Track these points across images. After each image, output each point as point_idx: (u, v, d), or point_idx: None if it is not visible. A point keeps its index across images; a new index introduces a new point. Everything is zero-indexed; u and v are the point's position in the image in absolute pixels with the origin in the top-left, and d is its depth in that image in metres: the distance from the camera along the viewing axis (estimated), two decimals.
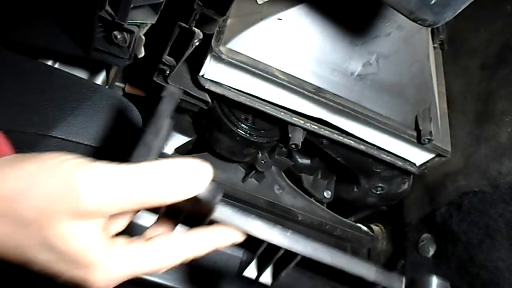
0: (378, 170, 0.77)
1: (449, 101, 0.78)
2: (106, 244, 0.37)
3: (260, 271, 0.53)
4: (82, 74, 0.72)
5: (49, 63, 0.71)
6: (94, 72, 0.74)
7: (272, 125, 0.72)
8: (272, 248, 0.45)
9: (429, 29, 0.69)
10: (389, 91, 0.67)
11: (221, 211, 0.41)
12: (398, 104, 0.68)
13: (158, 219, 0.44)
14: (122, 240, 0.39)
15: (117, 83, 0.78)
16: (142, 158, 0.39)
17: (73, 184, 0.34)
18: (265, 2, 0.61)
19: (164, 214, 0.44)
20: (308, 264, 0.47)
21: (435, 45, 0.83)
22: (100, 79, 0.74)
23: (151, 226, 0.44)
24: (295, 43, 0.62)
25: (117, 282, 0.38)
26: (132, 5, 0.50)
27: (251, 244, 0.46)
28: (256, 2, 0.61)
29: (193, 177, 0.37)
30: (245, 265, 0.54)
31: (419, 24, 0.47)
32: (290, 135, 0.68)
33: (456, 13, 0.46)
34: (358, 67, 0.64)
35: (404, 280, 0.50)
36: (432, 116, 0.70)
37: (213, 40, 0.58)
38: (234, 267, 0.58)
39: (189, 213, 0.43)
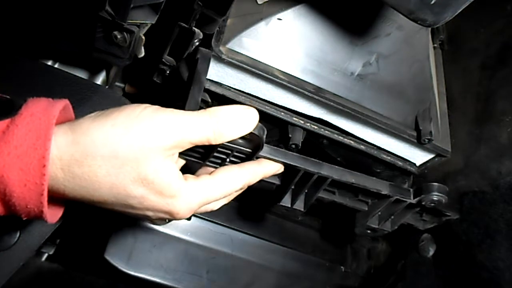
0: (378, 170, 0.77)
1: (449, 101, 0.78)
2: (183, 178, 0.44)
3: (294, 199, 0.61)
4: (82, 74, 0.72)
5: (49, 63, 0.71)
6: (94, 72, 0.74)
7: (272, 125, 0.72)
8: (306, 177, 0.56)
9: (429, 29, 0.69)
10: (389, 91, 0.67)
11: (264, 150, 0.51)
12: (398, 104, 0.68)
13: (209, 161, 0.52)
14: (190, 175, 0.46)
15: (117, 83, 0.78)
16: (192, 109, 0.49)
17: (159, 125, 0.41)
18: (265, 2, 0.61)
19: (214, 156, 0.51)
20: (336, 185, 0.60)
21: (435, 45, 0.83)
22: (100, 79, 0.74)
23: (204, 168, 0.53)
24: (295, 43, 0.62)
25: (193, 211, 0.46)
26: (132, 5, 0.50)
27: (286, 176, 0.57)
28: (256, 2, 0.61)
29: (247, 116, 0.45)
30: (281, 195, 0.61)
31: (419, 24, 0.47)
32: (290, 135, 0.68)
33: (456, 13, 0.46)
34: (358, 67, 0.64)
35: (412, 191, 0.62)
36: (432, 116, 0.70)
37: (213, 40, 0.58)
38: (271, 198, 0.63)
39: (238, 152, 0.51)
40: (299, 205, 0.62)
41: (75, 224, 0.72)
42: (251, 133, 0.46)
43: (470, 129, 0.76)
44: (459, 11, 0.46)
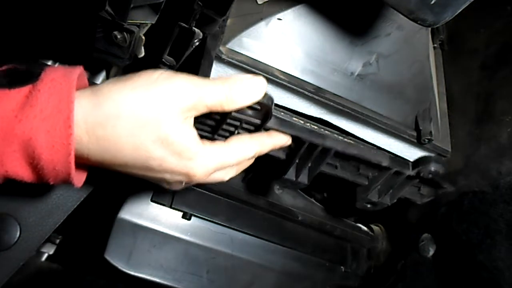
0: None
1: (449, 101, 0.78)
2: (201, 142, 0.46)
3: (298, 173, 0.63)
4: None
5: (49, 63, 0.71)
6: (94, 72, 0.74)
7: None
8: (310, 149, 0.59)
9: (429, 29, 0.69)
10: (389, 91, 0.67)
11: (272, 121, 0.54)
12: (398, 104, 0.68)
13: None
14: (206, 141, 0.48)
15: None
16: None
17: (177, 87, 0.43)
18: (265, 2, 0.61)
19: (223, 129, 0.53)
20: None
21: (435, 45, 0.83)
22: (100, 79, 0.74)
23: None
24: (295, 43, 0.62)
25: (209, 174, 0.48)
26: (132, 5, 0.50)
27: (291, 150, 0.60)
28: (256, 2, 0.61)
29: (257, 83, 0.48)
30: (286, 168, 0.62)
31: (419, 24, 0.47)
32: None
33: (456, 13, 0.46)
34: (358, 67, 0.64)
35: (410, 163, 0.64)
36: (432, 116, 0.70)
37: (211, 41, 0.58)
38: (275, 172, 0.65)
39: (247, 123, 0.53)
40: (303, 178, 0.64)
41: (75, 224, 0.72)
42: (260, 102, 0.49)
43: (470, 129, 0.76)
44: (459, 11, 0.46)
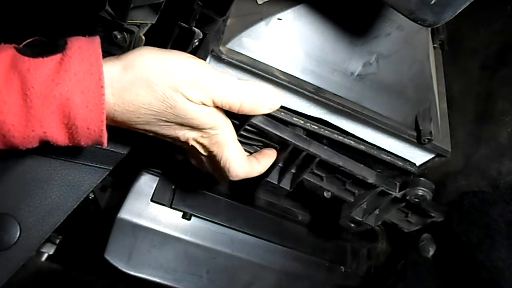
0: (378, 170, 0.77)
1: (449, 101, 0.78)
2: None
3: (281, 177, 0.63)
4: None
5: None
6: None
7: None
8: (294, 154, 0.59)
9: (429, 29, 0.69)
10: (389, 91, 0.67)
11: (259, 119, 0.56)
12: (398, 104, 0.68)
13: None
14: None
15: None
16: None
17: (201, 72, 0.48)
18: (265, 2, 0.61)
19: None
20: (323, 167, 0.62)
21: (435, 45, 0.83)
22: None
23: None
24: (295, 43, 0.62)
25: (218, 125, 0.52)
26: (132, 5, 0.50)
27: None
28: (256, 2, 0.61)
29: (274, 99, 0.54)
30: (269, 170, 0.62)
31: (419, 24, 0.47)
32: None
33: (456, 13, 0.46)
34: (358, 67, 0.64)
35: (398, 184, 0.64)
36: (432, 116, 0.70)
37: (210, 42, 0.58)
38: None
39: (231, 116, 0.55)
40: (286, 183, 0.64)
41: (75, 224, 0.72)
42: None
43: (470, 129, 0.76)
44: (459, 11, 0.46)
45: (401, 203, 0.66)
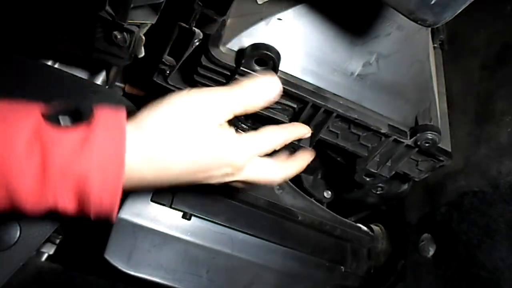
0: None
1: (449, 101, 0.78)
2: (237, 135, 0.51)
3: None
4: (82, 74, 0.72)
5: (49, 63, 0.71)
6: (94, 72, 0.73)
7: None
8: (313, 111, 0.63)
9: (429, 29, 0.69)
10: (389, 91, 0.67)
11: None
12: (398, 104, 0.68)
13: None
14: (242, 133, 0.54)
15: (117, 83, 0.78)
16: None
17: (210, 100, 0.49)
18: (265, 2, 0.61)
19: None
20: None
21: (435, 45, 0.83)
22: (100, 79, 0.74)
23: None
24: (295, 43, 0.62)
25: (251, 159, 0.53)
26: (132, 5, 0.50)
27: (295, 114, 0.65)
28: (256, 2, 0.61)
29: (271, 84, 0.53)
30: None
31: (419, 24, 0.47)
32: None
33: (456, 13, 0.46)
34: (358, 67, 0.64)
35: (408, 132, 0.67)
36: (432, 116, 0.70)
37: (210, 42, 0.58)
38: None
39: None
40: (305, 142, 0.68)
41: (75, 224, 0.72)
42: (267, 54, 0.56)
43: (470, 129, 0.76)
44: (459, 11, 0.46)
45: (412, 150, 0.69)
